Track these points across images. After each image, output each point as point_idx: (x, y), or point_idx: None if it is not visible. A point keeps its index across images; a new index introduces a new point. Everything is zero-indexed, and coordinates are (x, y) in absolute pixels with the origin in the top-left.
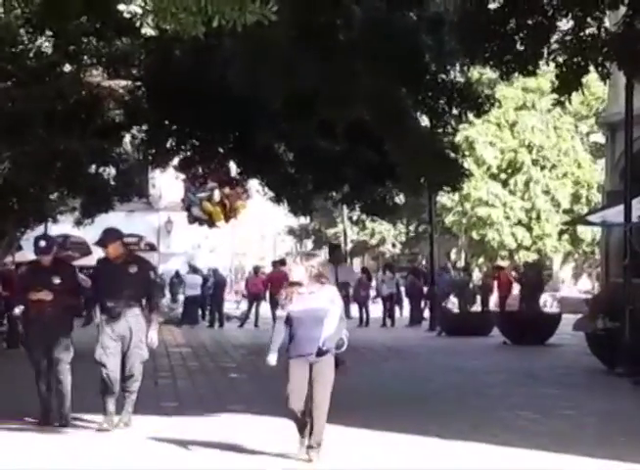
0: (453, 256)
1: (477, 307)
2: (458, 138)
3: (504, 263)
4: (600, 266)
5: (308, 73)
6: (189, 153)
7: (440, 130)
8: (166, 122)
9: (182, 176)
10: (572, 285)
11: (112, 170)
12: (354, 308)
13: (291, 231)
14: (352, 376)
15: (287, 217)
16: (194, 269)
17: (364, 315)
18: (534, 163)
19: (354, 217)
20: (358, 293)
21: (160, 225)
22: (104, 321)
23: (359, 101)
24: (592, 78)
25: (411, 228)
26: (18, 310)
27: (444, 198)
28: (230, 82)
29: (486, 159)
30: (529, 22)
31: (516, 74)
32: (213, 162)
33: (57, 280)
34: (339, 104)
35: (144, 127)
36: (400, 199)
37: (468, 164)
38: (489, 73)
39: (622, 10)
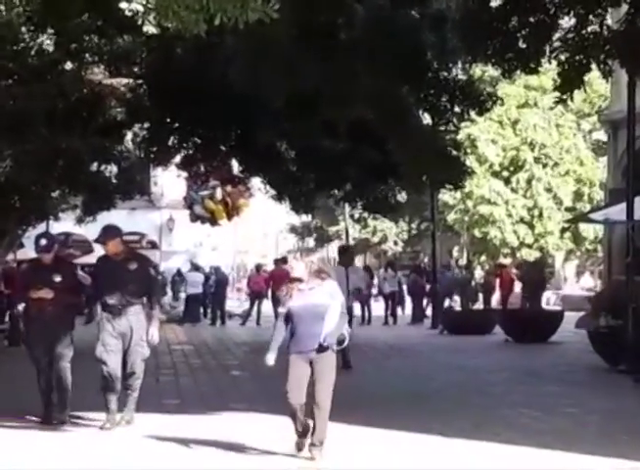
0: (455, 253)
1: (479, 305)
2: (460, 136)
3: (506, 261)
4: (602, 264)
5: (310, 72)
6: (191, 151)
7: (442, 128)
8: (168, 120)
9: (184, 174)
10: (575, 283)
11: (113, 168)
12: (356, 306)
13: (293, 229)
14: (354, 374)
15: (289, 215)
16: (196, 267)
17: (366, 313)
18: (536, 160)
19: (356, 215)
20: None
21: (161, 223)
22: (104, 319)
23: (361, 99)
24: (594, 76)
25: (413, 226)
26: (20, 308)
27: (446, 196)
28: (232, 80)
29: (489, 156)
30: (531, 19)
31: (518, 72)
32: (215, 160)
33: (58, 278)
34: (341, 102)
35: (146, 125)
36: (402, 197)
37: (470, 161)
38: (491, 71)
39: (624, 7)
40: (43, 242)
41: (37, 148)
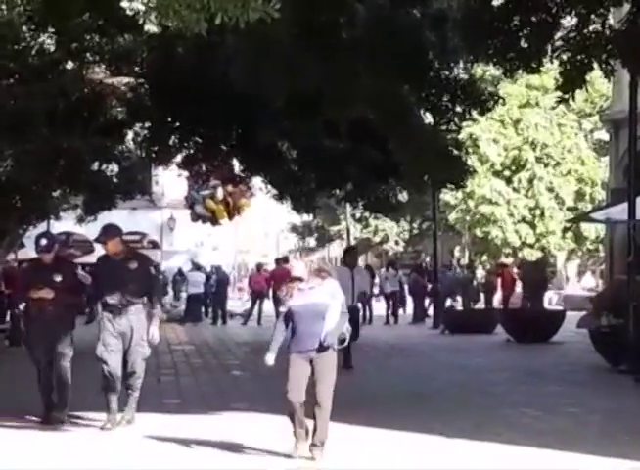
0: (457, 253)
1: (480, 305)
2: (462, 135)
3: (508, 261)
4: (604, 264)
5: (311, 71)
6: (192, 150)
7: (444, 128)
8: (169, 120)
9: (185, 174)
10: (577, 282)
11: (114, 168)
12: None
13: (294, 229)
14: (356, 374)
15: (290, 215)
16: (197, 267)
17: (367, 313)
18: (538, 160)
19: (357, 215)
20: None
21: (162, 223)
22: (105, 318)
23: (362, 99)
24: (596, 76)
25: (414, 226)
26: (21, 307)
27: (448, 195)
28: (233, 80)
29: (490, 156)
30: (533, 19)
31: (519, 72)
32: (216, 159)
33: (58, 278)
34: (342, 102)
35: (146, 125)
36: (404, 196)
37: (471, 161)
38: (493, 71)
39: (627, 7)
40: (43, 242)
41: (38, 147)
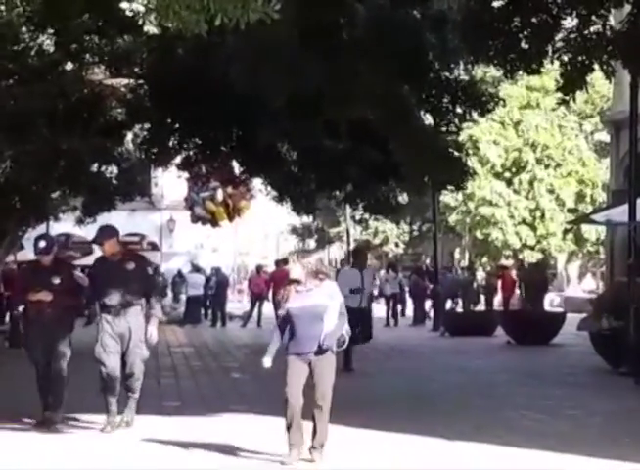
0: (457, 255)
1: (480, 307)
2: (462, 137)
3: (508, 263)
4: (604, 266)
5: (311, 72)
6: (191, 152)
7: (444, 129)
8: (169, 121)
9: (185, 175)
10: (578, 284)
11: (114, 169)
12: None
13: (294, 230)
14: (356, 376)
15: (290, 216)
16: (196, 269)
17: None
18: (539, 161)
19: (357, 217)
20: None
21: (162, 224)
22: (103, 320)
23: (362, 100)
24: (597, 77)
25: (414, 227)
26: (20, 309)
27: (448, 197)
28: (233, 81)
29: (490, 157)
30: (534, 20)
31: (520, 73)
32: (216, 161)
33: (56, 280)
34: (342, 103)
35: (146, 126)
36: (404, 198)
37: (472, 162)
38: (493, 72)
39: (627, 8)
40: (42, 244)
41: (37, 148)
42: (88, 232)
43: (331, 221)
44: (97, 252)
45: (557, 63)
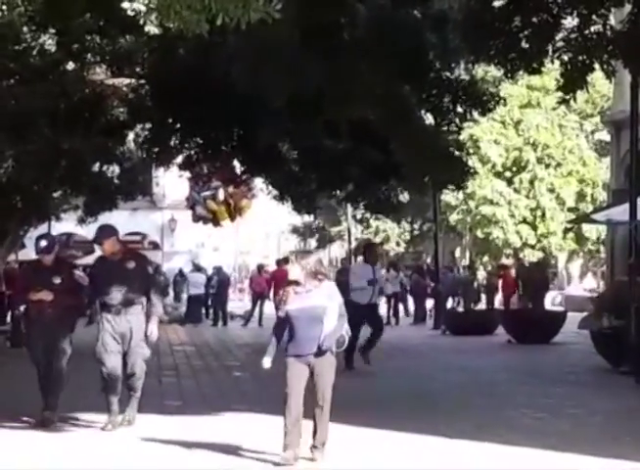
0: (458, 254)
1: (481, 306)
2: (463, 136)
3: (509, 262)
4: (605, 265)
5: (312, 72)
6: (193, 151)
7: (445, 128)
8: (170, 121)
9: (186, 175)
10: (579, 283)
11: (115, 169)
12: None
13: (295, 229)
14: (356, 375)
15: (291, 216)
16: (197, 268)
17: None
18: (539, 161)
19: (358, 216)
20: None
21: (163, 224)
22: (104, 319)
23: (363, 99)
24: (597, 76)
25: (415, 227)
26: (22, 309)
27: (449, 196)
28: (234, 80)
29: (491, 157)
30: (534, 19)
31: (521, 72)
32: (217, 160)
33: (57, 280)
34: (343, 102)
35: (147, 125)
36: (404, 197)
37: (472, 162)
38: (494, 71)
39: (628, 7)
40: (43, 243)
41: (39, 148)
42: (90, 231)
43: (332, 220)
44: (98, 251)
45: (557, 62)
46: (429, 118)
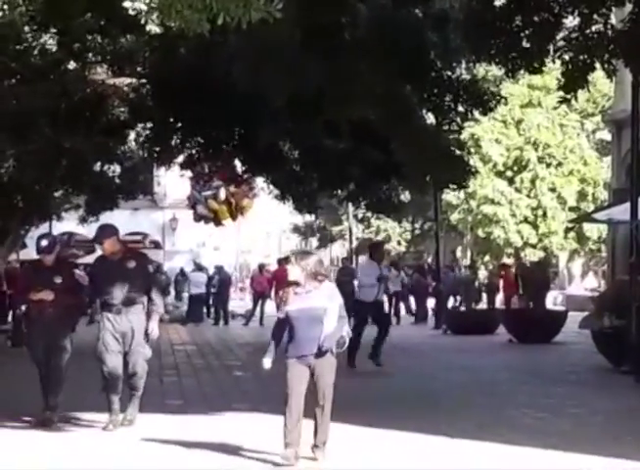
0: (459, 253)
1: (482, 305)
2: (464, 135)
3: (510, 261)
4: (606, 264)
5: (313, 72)
6: (194, 150)
7: (446, 128)
8: (171, 120)
9: (187, 174)
10: (581, 282)
11: (116, 168)
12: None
13: (296, 229)
14: (357, 374)
15: (292, 215)
16: (199, 267)
17: None
18: (540, 160)
19: (360, 215)
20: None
21: (164, 223)
22: (104, 318)
23: (364, 99)
24: (598, 76)
25: (416, 226)
26: (23, 308)
27: (450, 195)
28: (235, 80)
29: (492, 156)
30: (535, 19)
31: (522, 72)
32: (218, 159)
33: (58, 280)
34: (344, 102)
35: (149, 125)
36: (406, 196)
37: (474, 161)
38: (495, 71)
39: (629, 7)
40: (44, 243)
41: (40, 148)
42: (91, 231)
43: (333, 220)
44: (100, 250)
45: (558, 61)
46: (430, 118)
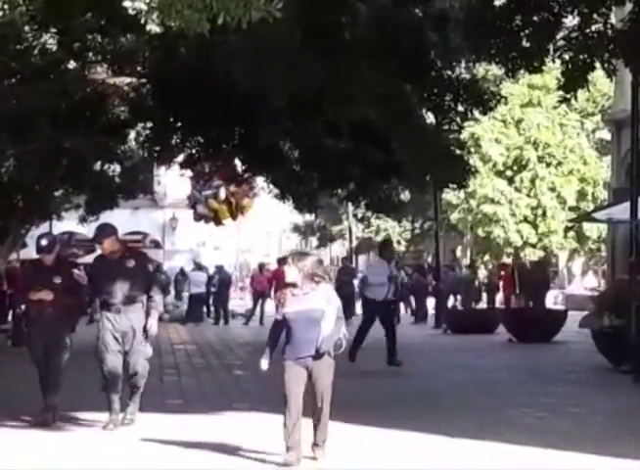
0: (459, 253)
1: (482, 305)
2: (464, 135)
3: (509, 261)
4: (606, 263)
5: (313, 71)
6: (194, 150)
7: (446, 127)
8: (171, 119)
9: (187, 173)
10: (581, 282)
11: (116, 167)
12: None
13: (296, 228)
14: (357, 373)
15: (292, 214)
16: (199, 267)
17: None
18: (540, 160)
19: (359, 215)
20: (362, 290)
21: (164, 222)
22: (104, 317)
23: (364, 99)
24: (598, 75)
25: (416, 225)
26: (23, 308)
27: (450, 195)
28: (235, 79)
29: (492, 156)
30: (535, 18)
31: (522, 71)
32: (219, 159)
33: (58, 280)
34: (344, 102)
35: (149, 124)
36: (406, 196)
37: (473, 161)
38: (495, 70)
39: (629, 6)
40: (44, 243)
41: (40, 147)
42: (91, 230)
43: (333, 219)
44: (99, 250)
45: (558, 61)
46: (430, 117)
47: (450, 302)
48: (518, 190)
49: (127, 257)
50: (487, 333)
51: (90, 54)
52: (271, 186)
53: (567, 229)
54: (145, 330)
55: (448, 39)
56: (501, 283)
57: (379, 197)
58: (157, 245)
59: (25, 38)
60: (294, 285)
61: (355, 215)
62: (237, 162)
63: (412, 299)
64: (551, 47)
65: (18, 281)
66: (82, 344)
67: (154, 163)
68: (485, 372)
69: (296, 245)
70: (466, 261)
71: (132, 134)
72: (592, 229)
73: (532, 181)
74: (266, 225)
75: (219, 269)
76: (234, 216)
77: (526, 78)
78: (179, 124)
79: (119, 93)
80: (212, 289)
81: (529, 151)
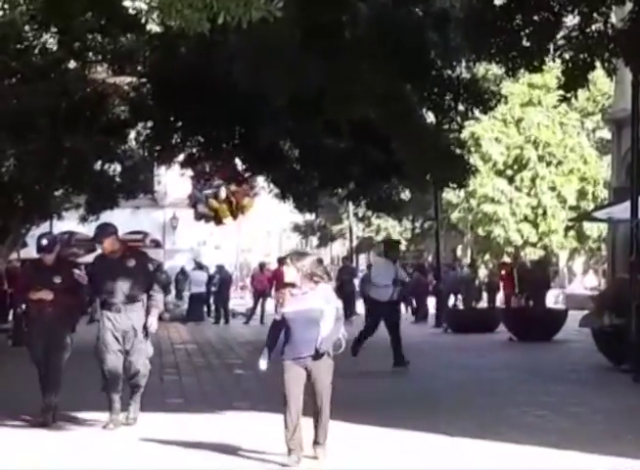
0: (459, 252)
1: (482, 304)
2: (464, 134)
3: (510, 260)
4: (606, 263)
5: (314, 71)
6: (194, 149)
7: (446, 127)
8: (172, 119)
9: (188, 173)
10: (581, 281)
11: (117, 167)
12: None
13: (296, 228)
14: (357, 373)
15: (292, 214)
16: (199, 266)
17: None
18: (540, 159)
19: (360, 214)
20: (364, 289)
21: (165, 222)
22: (104, 317)
23: (364, 99)
24: (598, 75)
25: (417, 225)
26: (23, 307)
27: (450, 194)
28: (235, 79)
29: (492, 155)
30: (535, 18)
31: (522, 70)
32: (219, 158)
33: (58, 279)
34: (344, 101)
35: (149, 124)
36: (406, 195)
37: (474, 160)
38: (495, 70)
39: (629, 6)
40: (44, 242)
41: (41, 147)
42: (91, 230)
43: (333, 218)
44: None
45: (558, 60)
46: (430, 117)
47: (451, 301)
48: (518, 189)
49: (128, 256)
50: (488, 332)
51: (90, 53)
52: (271, 185)
53: (567, 228)
54: (145, 328)
55: (448, 39)
56: (501, 282)
57: (379, 196)
58: (157, 244)
59: (26, 38)
60: (292, 285)
61: (356, 215)
62: (237, 161)
63: (412, 298)
64: (551, 46)
65: (18, 281)
66: (82, 343)
67: (154, 162)
68: (486, 371)
69: (296, 244)
70: (466, 261)
71: (132, 134)
72: (592, 228)
73: (533, 180)
74: (267, 225)
75: (220, 269)
76: (234, 216)
77: (527, 78)
78: (179, 124)
79: (120, 93)
80: (213, 288)
81: (530, 150)
